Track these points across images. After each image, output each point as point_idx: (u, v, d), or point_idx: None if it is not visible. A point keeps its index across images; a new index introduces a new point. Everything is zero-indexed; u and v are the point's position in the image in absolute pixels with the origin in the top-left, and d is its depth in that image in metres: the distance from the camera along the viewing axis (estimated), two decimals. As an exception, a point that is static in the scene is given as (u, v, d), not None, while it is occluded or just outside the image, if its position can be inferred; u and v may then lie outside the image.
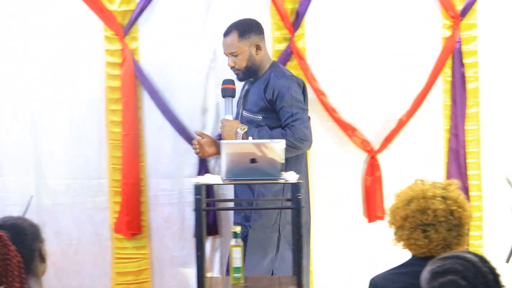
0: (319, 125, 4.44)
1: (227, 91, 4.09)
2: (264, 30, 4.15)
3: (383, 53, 4.44)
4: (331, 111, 4.41)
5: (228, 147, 3.49)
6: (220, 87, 4.14)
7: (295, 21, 4.37)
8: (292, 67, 4.39)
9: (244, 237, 3.97)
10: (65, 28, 4.25)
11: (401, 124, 4.44)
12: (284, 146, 3.44)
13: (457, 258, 2.13)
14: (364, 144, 4.44)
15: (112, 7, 4.32)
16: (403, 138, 4.46)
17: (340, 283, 4.45)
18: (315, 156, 4.44)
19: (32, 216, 2.78)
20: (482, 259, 2.14)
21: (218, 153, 4.12)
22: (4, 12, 4.31)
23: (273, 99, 3.99)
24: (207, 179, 3.61)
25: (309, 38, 4.42)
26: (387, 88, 4.46)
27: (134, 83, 4.34)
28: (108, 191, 4.39)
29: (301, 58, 4.37)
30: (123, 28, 4.33)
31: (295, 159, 3.98)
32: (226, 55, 4.09)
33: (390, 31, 4.43)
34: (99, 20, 4.32)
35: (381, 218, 4.37)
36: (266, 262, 4.02)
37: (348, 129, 4.43)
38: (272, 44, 4.39)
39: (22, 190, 4.34)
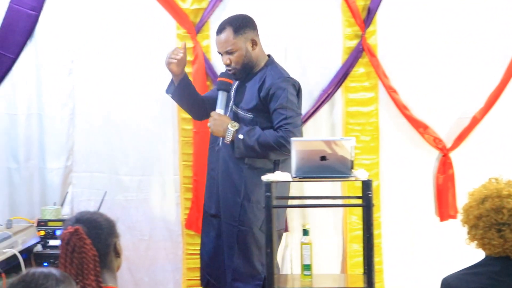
0: (390, 122, 4.41)
1: (223, 85, 3.93)
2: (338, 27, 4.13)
3: (456, 49, 4.37)
4: (402, 108, 4.36)
5: (298, 145, 3.49)
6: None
7: (367, 18, 4.34)
8: (363, 64, 4.37)
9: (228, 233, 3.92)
10: (138, 27, 4.32)
11: (475, 121, 4.37)
12: (354, 144, 3.41)
13: None
14: (436, 142, 4.38)
15: (185, 5, 4.37)
16: (477, 136, 4.39)
17: (412, 283, 4.40)
18: (385, 153, 4.40)
19: (105, 212, 2.82)
20: None
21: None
22: (83, 14, 4.40)
23: (267, 99, 3.83)
24: (277, 176, 3.61)
25: (381, 35, 4.38)
26: (460, 85, 4.39)
27: (205, 81, 4.37)
28: (179, 188, 4.45)
29: (372, 55, 4.33)
30: (195, 26, 4.37)
31: (283, 162, 3.86)
32: (220, 54, 3.92)
33: (464, 27, 4.36)
34: (171, 18, 4.37)
35: (454, 217, 4.31)
36: (254, 262, 3.93)
37: (420, 127, 4.37)
38: (343, 41, 4.37)
39: (96, 186, 4.43)
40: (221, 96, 3.91)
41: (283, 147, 3.76)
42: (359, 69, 4.39)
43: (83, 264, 2.34)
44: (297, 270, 4.22)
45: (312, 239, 3.82)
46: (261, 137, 3.78)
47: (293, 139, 3.52)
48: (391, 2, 4.36)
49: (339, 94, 4.41)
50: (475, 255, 2.76)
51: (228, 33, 3.87)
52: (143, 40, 4.32)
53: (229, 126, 3.83)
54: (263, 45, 3.98)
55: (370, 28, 4.36)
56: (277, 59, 4.28)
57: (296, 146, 3.49)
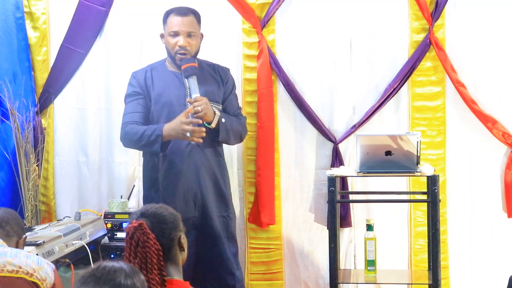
0: (457, 117, 4.34)
1: (192, 69, 3.85)
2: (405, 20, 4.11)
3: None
4: (470, 102, 4.28)
5: (363, 139, 3.48)
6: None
7: (435, 11, 4.28)
8: (430, 58, 4.31)
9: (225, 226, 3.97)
10: (204, 22, 4.35)
11: (546, 116, 4.27)
12: (420, 138, 3.38)
13: None
14: (505, 137, 4.29)
15: (251, 0, 4.39)
16: (548, 132, 4.28)
17: (478, 280, 4.33)
18: (453, 148, 4.33)
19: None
20: None
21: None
22: (151, 10, 4.44)
23: (226, 89, 4.04)
24: (341, 171, 3.61)
25: (449, 29, 4.31)
26: (529, 79, 4.29)
27: (270, 75, 4.38)
28: (243, 182, 4.47)
29: (440, 49, 4.27)
30: (260, 20, 4.38)
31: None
32: (177, 34, 3.89)
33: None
34: (237, 13, 4.39)
35: (522, 213, 4.22)
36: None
37: (488, 122, 4.29)
38: (410, 35, 4.33)
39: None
40: (193, 81, 3.84)
41: (245, 134, 4.07)
42: (426, 63, 4.33)
43: (146, 258, 2.38)
44: (361, 265, 4.21)
45: (376, 234, 3.81)
46: (234, 123, 3.94)
47: (358, 134, 3.52)
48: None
49: (405, 88, 4.36)
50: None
51: (192, 18, 3.95)
52: (209, 35, 4.36)
53: (215, 109, 3.86)
54: (329, 37, 4.08)
55: (438, 22, 4.30)
56: (342, 51, 4.29)
57: (361, 140, 3.48)
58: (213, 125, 3.83)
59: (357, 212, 4.40)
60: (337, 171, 3.68)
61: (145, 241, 2.38)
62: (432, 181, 3.49)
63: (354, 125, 4.35)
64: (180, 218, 2.56)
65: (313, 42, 4.40)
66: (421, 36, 4.32)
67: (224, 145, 4.11)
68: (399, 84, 4.33)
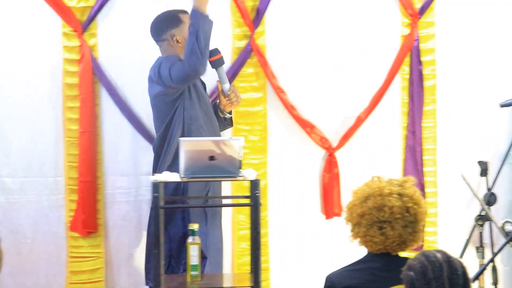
0: (278, 122, 4.46)
1: (220, 61, 4.03)
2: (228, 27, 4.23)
3: (343, 50, 4.46)
4: (290, 108, 4.42)
5: (187, 144, 3.48)
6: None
7: (256, 18, 4.37)
8: (252, 64, 4.40)
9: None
10: (22, 24, 4.21)
11: (359, 121, 4.47)
12: (243, 143, 3.43)
13: (425, 257, 2.23)
14: (322, 141, 4.46)
15: (71, 3, 4.29)
16: (361, 136, 4.49)
17: (298, 280, 4.45)
18: (273, 153, 4.44)
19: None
20: (450, 262, 2.22)
21: None
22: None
23: None
24: (165, 176, 3.59)
25: (269, 36, 4.42)
26: (346, 86, 4.48)
27: (92, 80, 4.31)
28: (64, 189, 4.35)
29: (261, 55, 4.37)
30: (81, 24, 4.29)
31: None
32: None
33: (350, 28, 4.46)
34: (57, 16, 4.27)
35: (339, 215, 4.39)
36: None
37: (307, 126, 4.44)
38: (232, 41, 4.39)
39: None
40: (222, 71, 4.05)
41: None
42: (248, 69, 4.42)
43: None
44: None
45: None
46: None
47: (181, 139, 3.53)
48: (280, 4, 4.41)
49: (228, 94, 4.42)
50: (359, 252, 2.82)
51: None
52: (28, 38, 4.21)
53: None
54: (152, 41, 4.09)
55: (259, 29, 4.39)
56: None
57: (185, 146, 3.48)
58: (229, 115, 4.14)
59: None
60: (161, 177, 3.66)
61: None
62: (254, 185, 3.55)
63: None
64: None
65: (137, 47, 4.36)
66: (243, 43, 4.40)
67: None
68: (222, 89, 4.38)
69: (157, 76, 3.93)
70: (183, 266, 3.79)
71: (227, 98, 4.07)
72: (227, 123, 4.19)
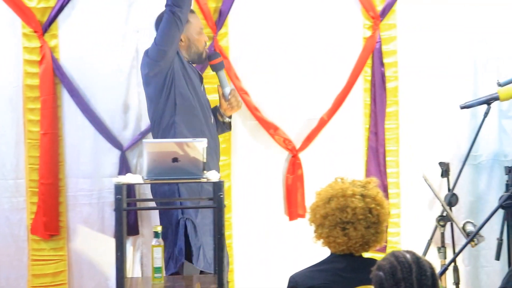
0: (241, 124, 4.46)
1: (221, 64, 4.09)
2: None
3: (305, 52, 4.48)
4: (253, 110, 4.42)
5: (150, 146, 3.46)
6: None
7: (218, 20, 4.37)
8: (216, 66, 4.40)
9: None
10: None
11: (323, 123, 4.49)
12: (206, 145, 3.42)
13: (394, 258, 2.24)
14: (286, 143, 4.47)
15: (31, 3, 4.24)
16: (324, 137, 4.51)
17: (262, 281, 4.46)
18: (237, 154, 4.45)
19: None
20: (419, 263, 2.24)
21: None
22: None
23: None
24: (128, 178, 3.57)
25: (233, 37, 4.42)
26: (309, 87, 4.50)
27: (53, 81, 4.27)
28: (25, 192, 4.31)
29: (224, 57, 4.36)
30: (42, 25, 4.25)
31: None
32: (201, 32, 4.09)
33: (313, 30, 4.48)
34: (16, 17, 4.22)
35: (302, 216, 4.41)
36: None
37: (271, 128, 4.45)
38: (196, 43, 4.38)
39: None
40: (223, 75, 4.10)
41: None
42: (212, 71, 4.40)
43: None
44: (148, 273, 4.19)
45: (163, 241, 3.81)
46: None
47: (144, 140, 3.52)
48: (243, 5, 4.41)
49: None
50: (323, 252, 2.83)
51: None
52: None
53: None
54: (115, 43, 4.15)
55: (222, 30, 4.39)
56: (127, 60, 4.27)
57: (148, 147, 3.46)
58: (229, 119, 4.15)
59: (145, 219, 4.38)
60: (124, 179, 3.63)
61: None
62: (218, 187, 3.55)
63: (142, 132, 4.34)
64: None
65: (98, 48, 4.33)
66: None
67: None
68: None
69: (143, 59, 3.98)
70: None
71: (227, 102, 4.08)
72: (225, 127, 4.20)
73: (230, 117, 4.17)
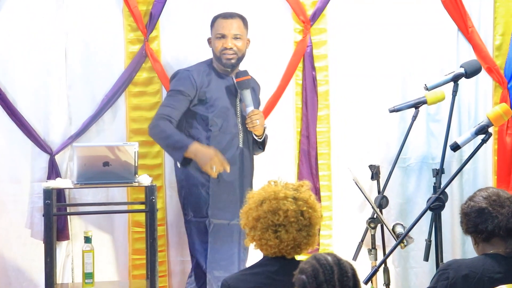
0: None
1: (245, 83, 4.03)
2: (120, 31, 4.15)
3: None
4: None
5: (80, 150, 3.44)
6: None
7: (149, 23, 4.34)
8: (147, 69, 4.37)
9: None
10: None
11: (255, 126, 4.50)
12: (137, 149, 3.40)
13: (316, 260, 2.28)
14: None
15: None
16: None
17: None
18: (170, 157, 4.42)
19: None
20: (340, 264, 2.28)
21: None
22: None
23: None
24: (57, 183, 3.54)
25: (164, 40, 4.40)
26: (240, 91, 4.51)
27: None
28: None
29: (155, 60, 4.34)
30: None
31: None
32: (223, 36, 4.05)
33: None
34: None
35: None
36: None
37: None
38: (126, 46, 4.36)
39: None
40: (247, 94, 4.03)
41: None
42: (143, 74, 4.38)
43: None
44: (79, 279, 4.13)
45: (94, 246, 3.76)
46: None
47: (74, 145, 3.47)
48: (173, 8, 4.40)
49: (122, 99, 4.37)
50: (256, 255, 2.84)
51: (239, 21, 4.10)
52: None
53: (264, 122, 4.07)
54: (42, 45, 4.05)
55: (153, 34, 4.37)
56: (56, 60, 4.20)
57: (78, 152, 3.43)
58: (261, 137, 4.07)
59: (75, 224, 4.31)
60: (53, 183, 3.60)
61: None
62: (150, 191, 3.53)
63: (71, 136, 4.27)
64: None
65: (27, 50, 4.27)
66: (137, 47, 4.37)
67: None
68: (115, 94, 4.32)
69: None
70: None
71: (246, 122, 4.05)
72: (257, 146, 4.18)
73: (260, 137, 4.12)
